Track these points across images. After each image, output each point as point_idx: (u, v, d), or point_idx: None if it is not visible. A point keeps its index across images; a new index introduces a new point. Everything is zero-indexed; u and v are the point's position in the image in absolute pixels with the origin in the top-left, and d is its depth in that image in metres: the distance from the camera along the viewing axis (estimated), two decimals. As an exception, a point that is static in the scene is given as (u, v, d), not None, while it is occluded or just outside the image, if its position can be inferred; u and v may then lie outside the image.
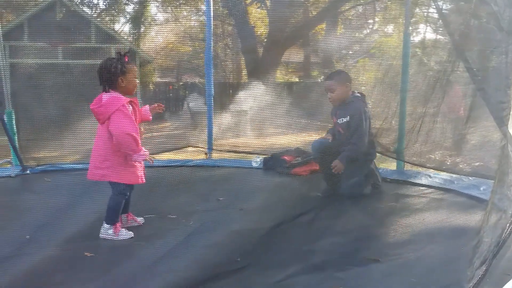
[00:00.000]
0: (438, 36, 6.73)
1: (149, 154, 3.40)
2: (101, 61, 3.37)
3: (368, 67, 10.75)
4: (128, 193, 3.51)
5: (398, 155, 5.23)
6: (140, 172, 3.46)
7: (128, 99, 3.36)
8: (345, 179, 4.27)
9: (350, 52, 12.07)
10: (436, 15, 7.09)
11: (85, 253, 3.03)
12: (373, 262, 2.82)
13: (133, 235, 3.43)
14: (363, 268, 2.76)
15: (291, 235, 3.25)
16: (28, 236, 3.24)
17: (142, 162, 3.45)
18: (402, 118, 5.24)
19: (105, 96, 3.32)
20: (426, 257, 2.89)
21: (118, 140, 3.25)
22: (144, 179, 3.48)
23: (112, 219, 3.40)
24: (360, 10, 12.95)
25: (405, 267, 2.76)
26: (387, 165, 5.50)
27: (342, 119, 4.38)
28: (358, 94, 4.48)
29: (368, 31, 13.53)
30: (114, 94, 3.32)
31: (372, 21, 13.32)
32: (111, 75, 3.30)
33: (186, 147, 6.47)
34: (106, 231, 3.38)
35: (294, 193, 4.44)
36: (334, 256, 2.93)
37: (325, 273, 2.65)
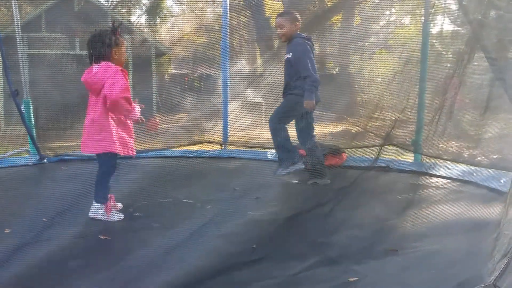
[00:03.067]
0: (456, 27, 6.63)
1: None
2: (92, 32, 3.39)
3: (385, 58, 10.65)
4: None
5: (415, 147, 5.17)
6: (131, 143, 3.46)
7: (120, 68, 3.36)
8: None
9: (367, 43, 11.96)
10: (454, 6, 6.97)
11: (100, 236, 3.06)
12: (391, 254, 2.79)
13: (123, 217, 3.44)
14: (381, 261, 2.73)
15: (307, 227, 3.23)
16: (44, 219, 3.27)
17: (132, 134, 3.48)
18: (420, 110, 5.17)
19: (97, 67, 3.32)
20: (446, 249, 2.85)
21: (113, 103, 3.23)
22: (134, 152, 3.48)
23: (102, 198, 3.39)
24: (376, 1, 12.80)
25: (423, 260, 2.73)
26: (404, 157, 5.45)
27: (286, 56, 4.48)
28: (304, 35, 4.54)
29: (385, 22, 13.38)
30: (106, 63, 3.33)
31: (389, 12, 13.17)
32: (105, 47, 3.32)
33: (202, 143, 6.47)
34: (97, 210, 3.38)
35: (309, 186, 4.41)
36: (351, 249, 2.90)
37: (342, 266, 2.63)
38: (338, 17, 12.59)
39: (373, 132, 5.26)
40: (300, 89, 4.36)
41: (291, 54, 4.41)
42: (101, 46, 3.32)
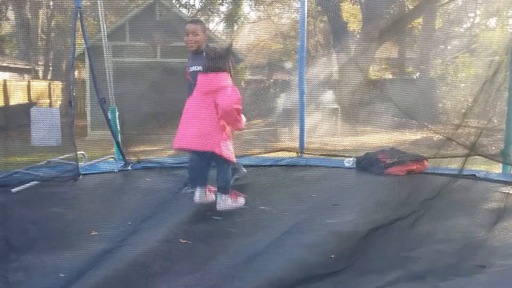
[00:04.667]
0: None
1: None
2: (223, 47, 3.73)
3: (468, 63, 10.23)
4: None
5: (504, 158, 4.89)
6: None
7: None
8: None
9: (449, 47, 11.53)
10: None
11: (181, 240, 3.13)
12: (478, 272, 2.65)
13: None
14: (468, 278, 2.60)
15: (389, 239, 3.12)
16: (129, 223, 3.40)
17: None
18: (509, 120, 4.88)
19: (213, 73, 3.59)
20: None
21: (225, 113, 3.50)
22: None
23: (228, 189, 3.65)
24: (459, 3, 12.33)
25: (514, 279, 2.57)
26: (491, 168, 5.18)
27: (194, 68, 4.25)
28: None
29: (469, 25, 12.85)
30: (224, 73, 3.62)
31: (473, 14, 12.64)
32: (229, 64, 3.66)
33: (278, 151, 6.47)
34: (225, 202, 3.61)
35: (390, 195, 4.29)
36: (437, 264, 2.77)
37: (426, 282, 2.53)
38: (419, 20, 12.24)
39: (456, 140, 5.04)
40: None
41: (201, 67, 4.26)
42: (227, 62, 3.64)
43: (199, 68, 4.15)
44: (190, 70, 4.32)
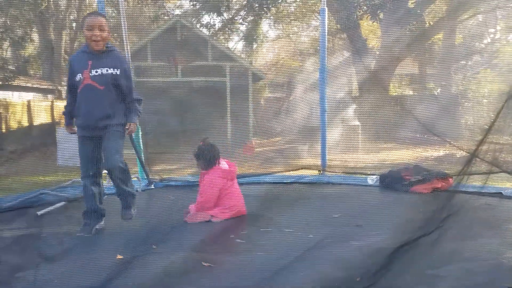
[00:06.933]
0: None
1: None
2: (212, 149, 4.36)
3: (490, 78, 10.14)
4: None
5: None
6: None
7: None
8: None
9: (470, 62, 11.46)
10: None
11: (203, 263, 3.12)
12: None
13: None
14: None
15: (414, 256, 3.08)
16: (154, 246, 3.41)
17: None
18: (534, 135, 4.82)
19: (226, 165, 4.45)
20: None
21: None
22: None
23: None
24: (480, 19, 12.27)
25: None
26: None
27: (103, 70, 3.60)
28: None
29: (489, 40, 12.77)
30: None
31: (493, 29, 12.57)
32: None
33: (300, 169, 6.46)
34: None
35: (415, 212, 4.25)
36: (464, 283, 2.73)
37: (454, 301, 2.49)
38: (439, 35, 12.20)
39: (479, 157, 4.98)
40: (121, 116, 3.72)
41: (117, 70, 3.62)
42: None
43: (112, 71, 3.62)
44: (93, 74, 3.60)
